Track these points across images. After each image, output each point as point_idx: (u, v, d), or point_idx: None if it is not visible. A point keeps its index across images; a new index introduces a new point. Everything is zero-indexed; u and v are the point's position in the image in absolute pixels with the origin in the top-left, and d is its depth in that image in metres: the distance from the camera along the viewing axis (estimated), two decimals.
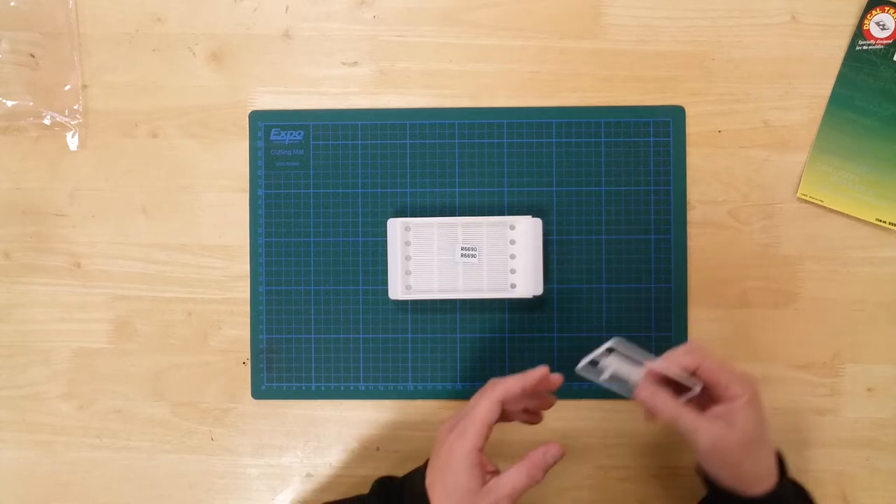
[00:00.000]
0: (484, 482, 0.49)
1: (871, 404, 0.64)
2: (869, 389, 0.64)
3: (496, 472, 0.51)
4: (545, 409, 0.57)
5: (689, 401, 0.53)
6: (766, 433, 0.52)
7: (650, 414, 0.53)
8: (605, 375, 0.54)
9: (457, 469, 0.49)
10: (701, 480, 0.56)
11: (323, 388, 0.65)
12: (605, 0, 0.65)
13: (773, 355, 0.64)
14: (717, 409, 0.51)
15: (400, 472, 0.66)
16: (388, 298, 0.64)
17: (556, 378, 0.53)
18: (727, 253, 0.64)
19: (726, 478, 0.52)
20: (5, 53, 0.66)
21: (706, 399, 0.53)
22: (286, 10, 0.66)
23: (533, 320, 0.64)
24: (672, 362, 0.52)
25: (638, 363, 0.53)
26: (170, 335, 0.66)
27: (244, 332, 0.65)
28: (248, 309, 0.65)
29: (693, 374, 0.52)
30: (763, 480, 0.51)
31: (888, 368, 0.64)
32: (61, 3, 0.66)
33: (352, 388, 0.65)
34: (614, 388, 0.54)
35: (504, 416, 0.53)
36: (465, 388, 0.64)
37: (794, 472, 0.63)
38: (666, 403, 0.51)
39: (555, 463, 0.51)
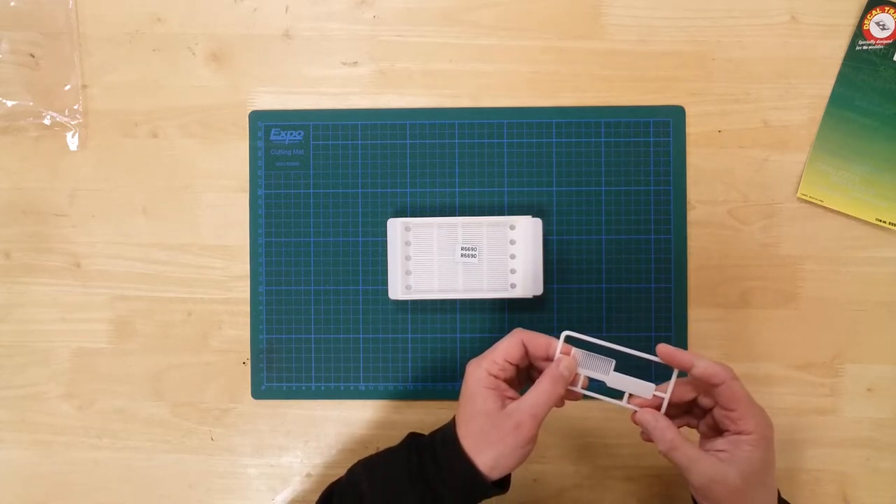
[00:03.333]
0: (503, 406, 0.49)
1: (871, 404, 0.64)
2: (869, 389, 0.64)
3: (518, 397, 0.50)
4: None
5: (692, 418, 0.52)
6: (770, 478, 0.49)
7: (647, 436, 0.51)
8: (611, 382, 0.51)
9: (473, 394, 0.49)
10: None
11: (323, 388, 0.65)
12: (605, 0, 0.65)
13: (773, 355, 0.64)
14: (719, 443, 0.49)
15: None
16: (388, 298, 0.64)
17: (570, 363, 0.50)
18: (727, 253, 0.64)
19: None
20: (5, 53, 0.66)
21: (711, 428, 0.51)
22: (286, 10, 0.66)
23: (533, 320, 0.64)
24: (694, 363, 0.49)
25: (605, 363, 0.51)
26: (170, 335, 0.66)
27: (244, 332, 0.65)
28: (248, 309, 0.65)
29: (711, 390, 0.49)
30: None
31: (888, 368, 0.64)
32: (61, 3, 0.66)
33: (352, 388, 0.65)
34: (595, 395, 0.52)
35: (531, 374, 0.53)
36: None
37: (794, 472, 0.64)
38: (664, 432, 0.48)
39: (571, 377, 0.50)
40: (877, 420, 0.64)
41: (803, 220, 0.64)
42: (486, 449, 0.48)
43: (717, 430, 0.50)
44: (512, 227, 0.63)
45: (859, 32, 0.63)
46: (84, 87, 0.66)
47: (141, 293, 0.66)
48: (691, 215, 0.64)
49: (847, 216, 0.64)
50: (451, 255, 0.63)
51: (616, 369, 0.51)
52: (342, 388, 0.65)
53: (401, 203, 0.65)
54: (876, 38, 0.63)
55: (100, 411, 0.66)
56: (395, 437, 0.65)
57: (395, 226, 0.62)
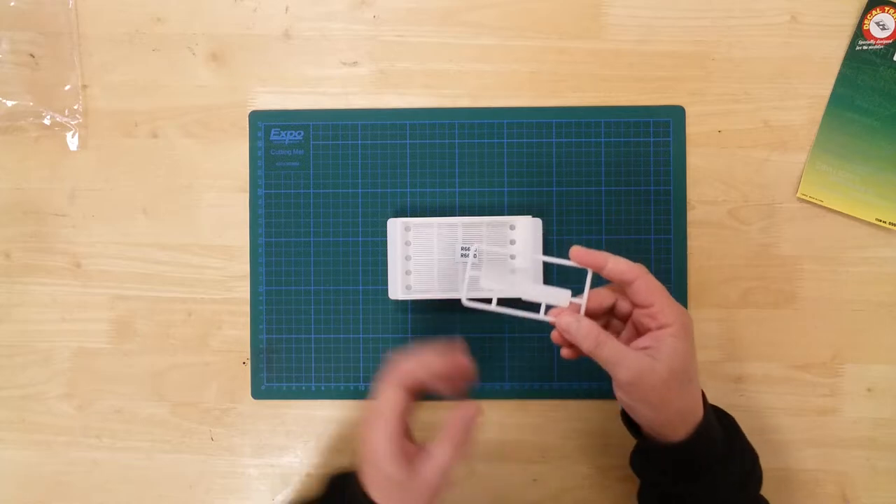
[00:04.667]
0: (412, 468, 0.47)
1: (871, 404, 0.64)
2: (869, 389, 0.64)
3: (423, 450, 0.49)
4: (467, 382, 0.52)
5: (613, 331, 0.51)
6: (693, 370, 0.48)
7: (567, 347, 0.50)
8: (522, 293, 0.50)
9: (380, 464, 0.47)
10: (627, 428, 0.54)
11: (323, 388, 0.65)
12: (605, 0, 0.65)
13: (773, 355, 0.64)
14: (642, 340, 0.48)
15: None
16: (388, 298, 0.64)
17: (465, 364, 0.50)
18: (727, 253, 0.64)
19: (648, 418, 0.48)
20: (5, 53, 0.66)
21: (631, 331, 0.50)
22: (286, 10, 0.66)
23: (533, 320, 0.64)
24: (607, 262, 0.48)
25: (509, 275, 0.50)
26: (170, 335, 0.66)
27: (244, 332, 0.65)
28: (248, 309, 0.65)
29: (627, 290, 0.49)
30: (687, 421, 0.48)
31: (888, 368, 0.64)
32: (61, 3, 0.66)
33: (352, 388, 0.65)
34: (508, 311, 0.50)
35: (423, 392, 0.51)
36: None
37: (794, 472, 0.64)
38: (589, 329, 0.47)
39: (475, 426, 0.49)
40: (877, 420, 0.64)
41: (803, 220, 0.64)
42: None
43: (639, 336, 0.50)
44: (512, 227, 0.63)
45: (859, 32, 0.63)
46: (84, 87, 0.66)
47: (141, 293, 0.66)
48: (691, 215, 0.64)
49: (847, 216, 0.64)
50: (451, 255, 0.63)
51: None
52: (342, 388, 0.65)
53: (401, 203, 0.65)
54: (876, 38, 0.63)
55: (100, 411, 0.66)
56: None
57: (395, 226, 0.62)
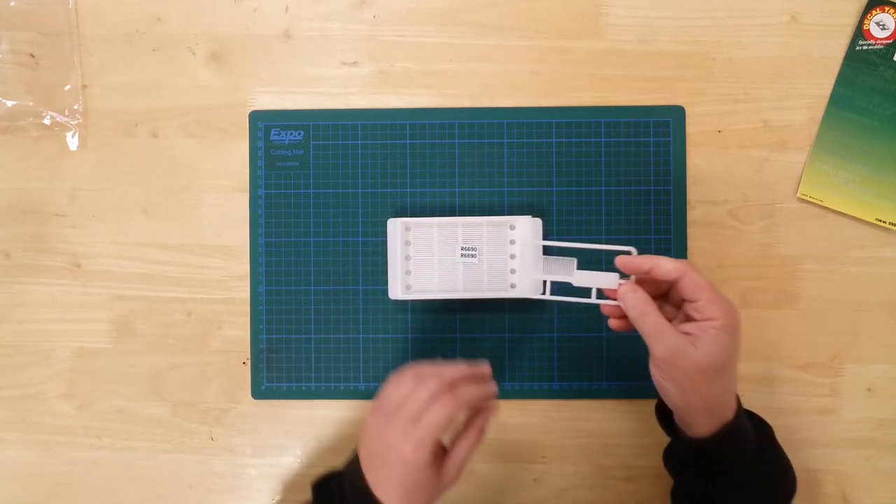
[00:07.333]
0: (441, 468, 0.50)
1: (871, 404, 0.64)
2: (869, 389, 0.64)
3: (444, 447, 0.51)
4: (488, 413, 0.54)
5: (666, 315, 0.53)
6: (732, 365, 0.49)
7: (618, 318, 0.53)
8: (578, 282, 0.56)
9: (415, 474, 0.48)
10: (660, 423, 0.56)
11: (323, 388, 0.65)
12: (605, 0, 0.65)
13: (773, 355, 0.64)
14: (686, 326, 0.49)
15: None
16: (388, 298, 0.64)
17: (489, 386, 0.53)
18: (727, 253, 0.64)
19: (676, 401, 0.49)
20: (5, 53, 0.66)
21: (682, 318, 0.52)
22: (286, 10, 0.66)
23: (533, 320, 0.64)
24: (653, 264, 0.50)
25: (567, 263, 0.56)
26: (170, 335, 0.66)
27: (244, 332, 0.65)
28: (248, 309, 0.65)
29: (672, 287, 0.51)
30: (715, 414, 0.49)
31: (888, 368, 0.64)
32: (61, 3, 0.66)
33: (352, 388, 0.65)
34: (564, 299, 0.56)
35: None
36: None
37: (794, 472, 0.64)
38: (638, 301, 0.50)
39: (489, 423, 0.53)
40: (877, 420, 0.64)
41: (803, 220, 0.64)
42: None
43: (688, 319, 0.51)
44: (512, 227, 0.63)
45: (859, 32, 0.63)
46: (84, 87, 0.66)
47: (141, 293, 0.66)
48: (691, 215, 0.64)
49: (847, 216, 0.64)
50: (451, 255, 0.63)
51: (579, 267, 0.56)
52: (342, 388, 0.65)
53: (401, 203, 0.65)
54: (876, 38, 0.63)
55: (100, 411, 0.66)
56: None
57: (395, 226, 0.62)
